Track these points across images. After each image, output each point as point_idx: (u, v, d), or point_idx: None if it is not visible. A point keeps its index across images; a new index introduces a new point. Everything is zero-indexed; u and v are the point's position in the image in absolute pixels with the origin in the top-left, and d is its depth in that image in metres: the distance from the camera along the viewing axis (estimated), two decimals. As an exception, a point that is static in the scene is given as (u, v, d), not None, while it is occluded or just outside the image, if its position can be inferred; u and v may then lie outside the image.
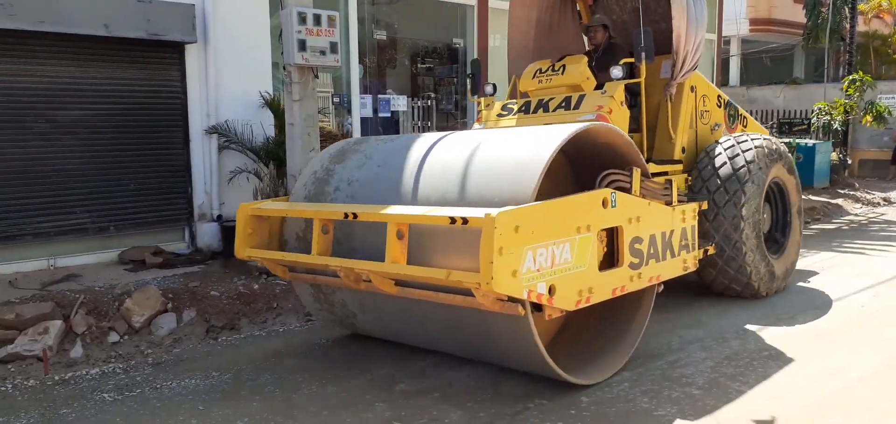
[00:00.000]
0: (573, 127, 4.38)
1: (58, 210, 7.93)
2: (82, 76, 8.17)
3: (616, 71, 6.02)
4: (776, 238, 7.09)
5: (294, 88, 7.13)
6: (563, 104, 6.02)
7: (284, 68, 7.22)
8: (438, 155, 4.67)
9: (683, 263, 5.22)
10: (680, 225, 5.15)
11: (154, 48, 8.52)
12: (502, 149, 4.41)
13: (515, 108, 6.34)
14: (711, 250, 6.35)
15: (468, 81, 6.84)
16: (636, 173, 4.72)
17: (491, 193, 4.19)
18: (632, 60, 6.22)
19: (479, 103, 6.74)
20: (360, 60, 11.10)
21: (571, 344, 4.99)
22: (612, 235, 4.61)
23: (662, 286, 5.17)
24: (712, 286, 6.64)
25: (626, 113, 6.00)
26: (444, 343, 4.90)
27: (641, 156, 4.92)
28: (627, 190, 4.68)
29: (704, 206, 6.26)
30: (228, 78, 8.75)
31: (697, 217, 5.39)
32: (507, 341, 4.31)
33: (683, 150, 6.76)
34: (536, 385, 4.57)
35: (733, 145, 6.51)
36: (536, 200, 3.97)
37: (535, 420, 4.14)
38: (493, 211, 3.75)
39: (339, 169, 5.20)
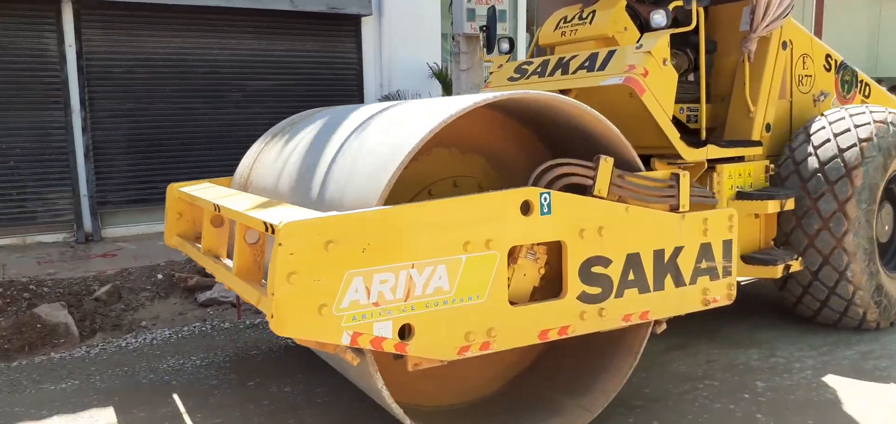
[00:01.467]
0: (469, 100, 3.05)
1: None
2: (270, 49, 8.96)
3: (658, 16, 4.36)
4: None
5: (462, 58, 7.28)
6: (586, 64, 4.52)
7: (453, 38, 7.33)
8: (333, 135, 3.59)
9: (704, 294, 3.61)
10: (697, 240, 3.55)
11: (333, 21, 9.21)
12: (380, 131, 3.22)
13: (530, 69, 4.95)
14: (796, 266, 4.54)
15: (481, 35, 5.52)
16: (605, 165, 3.26)
17: (347, 194, 3.05)
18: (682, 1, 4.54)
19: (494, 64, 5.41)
20: (528, 29, 10.78)
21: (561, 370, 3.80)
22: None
23: (665, 326, 3.63)
24: (798, 309, 4.83)
25: (672, 76, 4.34)
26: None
27: (624, 139, 3.42)
28: (587, 189, 3.26)
29: (790, 204, 4.47)
30: (400, 49, 9.56)
31: (735, 227, 3.72)
32: (361, 381, 3.19)
33: (768, 127, 4.91)
34: (705, 366, 4.38)
35: (843, 118, 4.61)
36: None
37: (703, 400, 3.93)
38: (300, 216, 2.64)
39: (273, 146, 4.33)
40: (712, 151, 4.47)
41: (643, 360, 4.21)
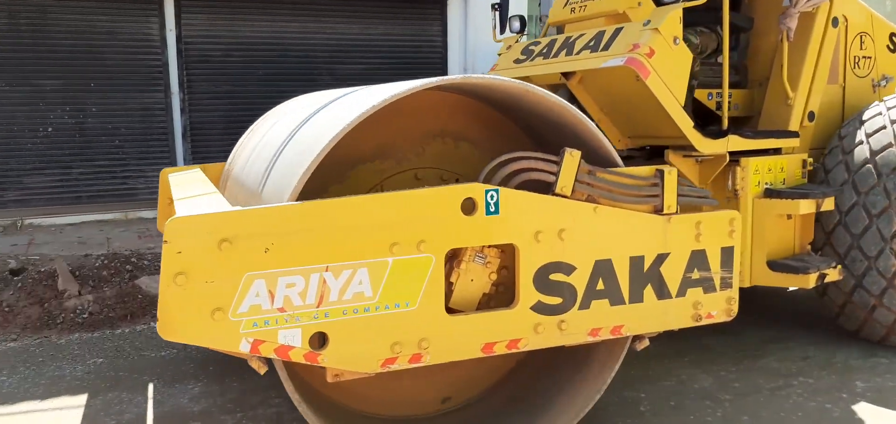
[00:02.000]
0: (392, 90, 2.72)
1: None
2: (359, 33, 9.20)
3: None
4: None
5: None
6: (592, 43, 4.07)
7: (540, 19, 7.14)
8: (292, 123, 3.36)
9: (696, 309, 3.16)
10: (686, 246, 3.10)
11: (420, 4, 9.39)
12: (315, 124, 2.95)
13: (536, 50, 4.52)
14: (834, 276, 3.97)
15: (494, 14, 5.11)
16: (570, 159, 2.87)
17: (268, 188, 2.82)
18: None
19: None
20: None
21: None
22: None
23: (647, 342, 3.21)
24: (841, 321, 4.25)
25: (685, 56, 3.81)
26: None
27: (595, 130, 3.01)
28: (547, 187, 2.89)
29: (828, 204, 3.91)
30: (484, 32, 9.54)
31: (738, 232, 3.22)
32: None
33: (812, 116, 4.30)
34: (800, 362, 4.20)
35: None
36: None
37: (797, 398, 3.76)
38: (195, 211, 2.42)
39: (252, 135, 4.18)
40: (734, 143, 3.93)
41: (733, 354, 4.32)
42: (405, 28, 9.44)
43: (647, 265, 3.03)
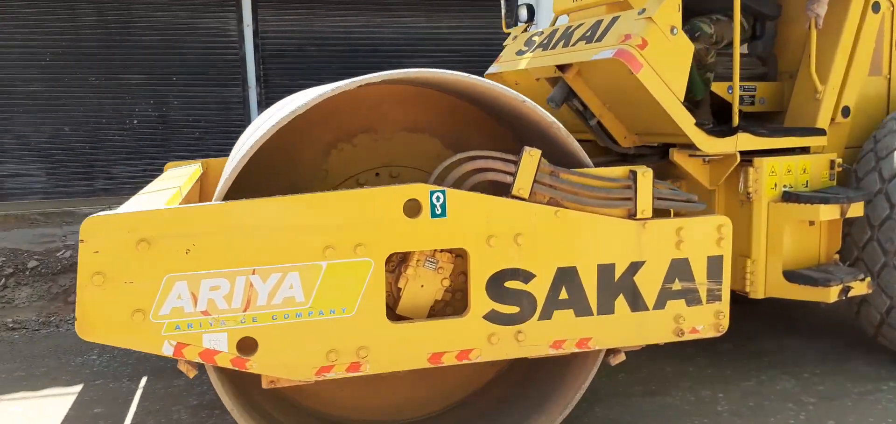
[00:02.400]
0: (318, 91, 2.59)
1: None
2: (430, 27, 9.26)
3: None
4: None
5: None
6: (588, 33, 3.79)
7: None
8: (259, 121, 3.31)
9: (677, 322, 2.89)
10: (665, 254, 2.84)
11: None
12: (259, 123, 2.87)
13: (538, 41, 4.27)
14: (861, 289, 3.58)
15: (502, 3, 4.84)
16: (528, 158, 2.67)
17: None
18: None
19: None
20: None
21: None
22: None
23: (623, 356, 2.96)
24: (880, 342, 3.85)
25: (685, 47, 3.44)
26: None
27: (558, 125, 2.79)
28: (505, 188, 2.70)
29: (856, 210, 3.53)
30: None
31: (727, 240, 2.92)
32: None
33: (846, 111, 3.87)
34: (891, 366, 3.95)
35: None
36: None
37: (888, 403, 3.56)
38: (119, 210, 2.38)
39: (246, 131, 4.15)
40: (745, 142, 3.57)
41: (816, 355, 4.15)
42: (473, 22, 9.36)
43: (618, 273, 2.79)
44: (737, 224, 3.60)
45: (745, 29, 3.97)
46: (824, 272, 3.63)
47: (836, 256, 3.80)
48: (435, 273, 2.73)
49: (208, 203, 2.41)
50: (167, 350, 2.39)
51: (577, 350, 2.81)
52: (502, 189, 2.72)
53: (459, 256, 2.76)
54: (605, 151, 4.05)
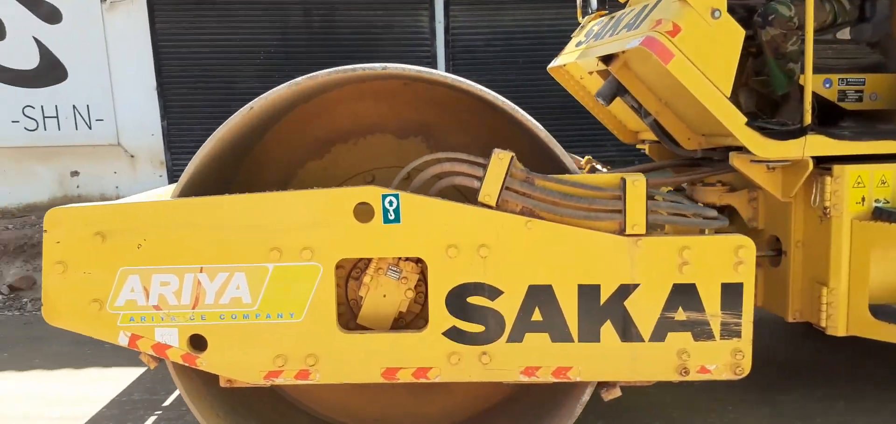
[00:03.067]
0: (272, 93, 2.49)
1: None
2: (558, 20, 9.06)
3: None
4: None
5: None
6: (633, 20, 3.33)
7: None
8: None
9: (681, 359, 2.46)
10: (666, 278, 2.43)
11: None
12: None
13: (596, 30, 3.82)
14: None
15: None
16: (497, 162, 2.42)
17: None
18: None
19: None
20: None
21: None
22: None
23: (618, 392, 2.58)
24: None
25: (732, 32, 2.87)
26: None
27: (538, 127, 2.48)
28: (475, 194, 2.47)
29: None
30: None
31: (748, 264, 2.42)
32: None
33: None
34: None
35: None
36: None
37: None
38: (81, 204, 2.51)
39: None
40: (815, 145, 2.93)
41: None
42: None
43: (604, 296, 2.44)
44: (815, 245, 3.04)
45: (846, 9, 3.30)
46: None
47: None
48: (397, 283, 2.56)
49: (159, 200, 2.46)
50: (123, 341, 2.47)
51: (553, 380, 2.50)
52: (474, 196, 2.48)
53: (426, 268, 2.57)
54: (671, 154, 3.59)
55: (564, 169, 2.51)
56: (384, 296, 2.58)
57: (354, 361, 2.49)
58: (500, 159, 2.43)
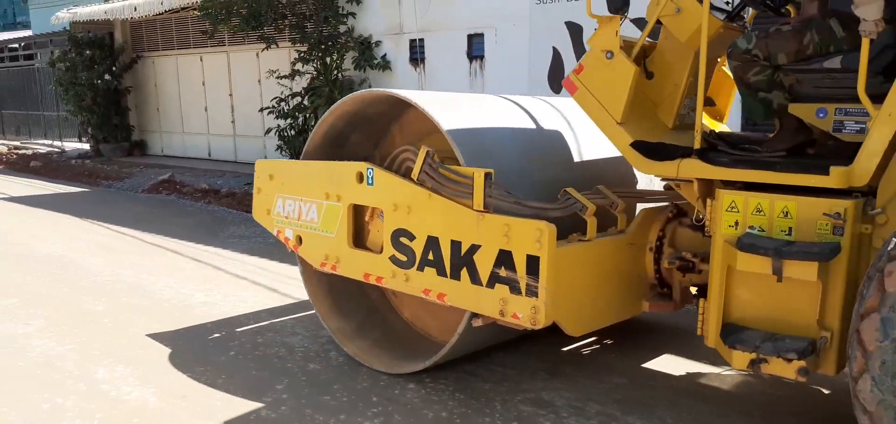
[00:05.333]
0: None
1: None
2: None
3: None
4: None
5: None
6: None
7: None
8: None
9: (502, 305, 3.42)
10: (495, 244, 3.43)
11: None
12: None
13: None
14: (778, 368, 2.92)
15: None
16: (420, 153, 3.82)
17: None
18: None
19: None
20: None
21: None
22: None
23: (480, 321, 3.63)
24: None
25: (625, 70, 3.41)
26: None
27: (442, 126, 3.72)
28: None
29: (805, 272, 2.96)
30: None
31: (549, 246, 3.20)
32: None
33: None
34: None
35: None
36: None
37: None
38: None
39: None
40: (689, 167, 3.14)
41: None
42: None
43: (463, 250, 3.57)
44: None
45: (838, 37, 3.34)
46: (758, 337, 2.97)
47: (819, 325, 2.92)
48: (382, 224, 4.11)
49: (295, 160, 4.58)
50: (276, 233, 4.68)
51: (437, 301, 3.72)
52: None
53: (403, 216, 4.04)
54: None
55: (457, 160, 3.69)
56: (378, 231, 4.17)
57: (354, 266, 4.17)
58: (421, 151, 3.77)
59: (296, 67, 10.94)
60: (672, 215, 4.00)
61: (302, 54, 10.81)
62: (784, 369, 2.95)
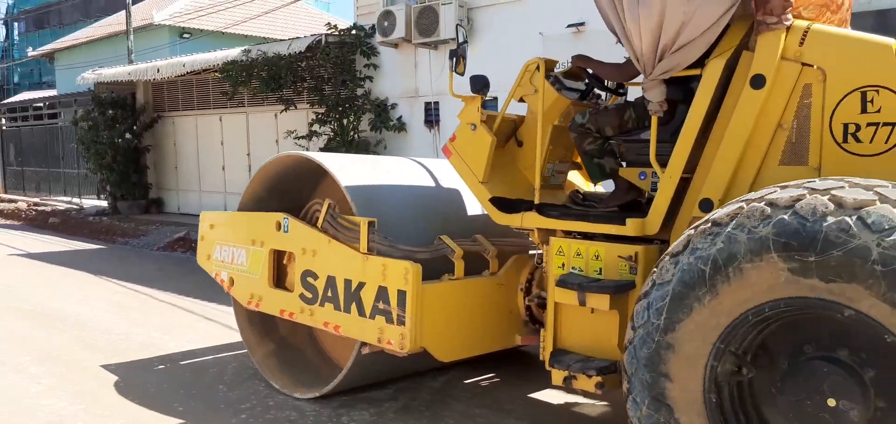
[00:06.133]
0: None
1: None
2: None
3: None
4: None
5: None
6: None
7: None
8: None
9: (380, 333, 4.09)
10: (377, 281, 4.11)
11: None
12: None
13: None
14: (586, 385, 3.55)
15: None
16: (325, 206, 4.53)
17: None
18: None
19: None
20: None
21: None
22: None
23: (367, 349, 4.29)
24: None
25: (484, 140, 4.22)
26: None
27: (342, 183, 4.43)
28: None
29: (598, 302, 3.61)
30: None
31: (415, 283, 3.89)
32: None
33: (706, 205, 3.51)
34: None
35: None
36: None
37: None
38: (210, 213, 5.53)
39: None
40: (529, 220, 3.88)
41: None
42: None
43: (353, 286, 4.25)
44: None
45: (661, 106, 4.04)
46: (574, 359, 3.64)
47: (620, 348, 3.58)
48: (287, 263, 4.80)
49: (230, 212, 5.29)
50: (214, 275, 5.37)
51: (334, 332, 4.38)
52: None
53: (313, 260, 4.74)
54: None
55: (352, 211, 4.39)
56: (293, 272, 4.86)
57: (273, 304, 4.85)
58: (324, 204, 4.48)
59: (313, 128, 11.49)
60: (540, 260, 4.68)
61: (319, 116, 11.39)
62: (587, 384, 3.59)
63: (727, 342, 2.84)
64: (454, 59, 4.18)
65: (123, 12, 20.34)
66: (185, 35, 22.19)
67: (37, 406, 4.79)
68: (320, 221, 4.51)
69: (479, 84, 4.23)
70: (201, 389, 5.08)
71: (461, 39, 4.26)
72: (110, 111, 15.88)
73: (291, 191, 5.18)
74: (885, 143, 3.14)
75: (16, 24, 44.69)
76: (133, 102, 16.56)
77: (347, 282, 4.30)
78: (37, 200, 20.33)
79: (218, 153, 15.27)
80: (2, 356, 5.93)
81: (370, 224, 4.18)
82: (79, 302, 8.11)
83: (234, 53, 12.43)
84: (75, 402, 4.86)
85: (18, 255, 12.05)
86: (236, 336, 5.83)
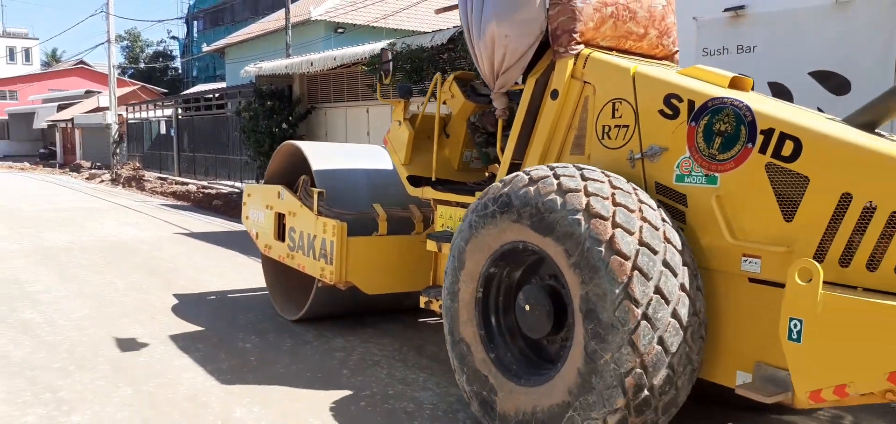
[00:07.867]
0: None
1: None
2: None
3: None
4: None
5: None
6: None
7: None
8: None
9: (321, 270, 5.77)
10: (321, 235, 5.79)
11: None
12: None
13: None
14: (434, 307, 5.01)
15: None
16: (300, 180, 6.28)
17: None
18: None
19: None
20: None
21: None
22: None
23: (321, 283, 5.98)
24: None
25: (405, 133, 5.68)
26: None
27: (312, 168, 6.12)
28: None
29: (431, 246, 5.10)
30: None
31: (341, 236, 5.53)
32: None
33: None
34: None
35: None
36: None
37: None
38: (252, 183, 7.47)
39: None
40: (428, 192, 5.29)
41: None
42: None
43: (310, 238, 5.95)
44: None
45: (504, 112, 5.32)
46: (437, 291, 5.07)
47: None
48: (281, 221, 6.58)
49: (257, 185, 7.19)
50: (251, 232, 7.30)
51: (307, 272, 6.10)
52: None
53: (301, 221, 6.48)
54: None
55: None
56: (286, 228, 6.64)
57: (277, 252, 6.66)
58: (301, 180, 6.20)
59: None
60: None
61: None
62: (435, 305, 5.03)
63: (488, 266, 4.20)
64: (379, 73, 5.74)
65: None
66: (340, 30, 24.09)
67: (178, 380, 5.20)
68: (298, 192, 6.25)
69: (404, 91, 5.74)
70: (327, 373, 5.38)
71: (387, 59, 5.81)
72: (269, 102, 16.77)
73: (295, 170, 6.98)
74: (623, 139, 4.29)
75: (195, 21, 50.15)
76: (289, 93, 17.25)
77: (309, 235, 6.00)
78: (205, 183, 22.30)
79: (364, 142, 15.36)
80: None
81: (320, 194, 5.86)
82: (228, 279, 8.82)
83: (380, 46, 12.58)
84: (211, 378, 5.17)
85: (183, 234, 13.03)
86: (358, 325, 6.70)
